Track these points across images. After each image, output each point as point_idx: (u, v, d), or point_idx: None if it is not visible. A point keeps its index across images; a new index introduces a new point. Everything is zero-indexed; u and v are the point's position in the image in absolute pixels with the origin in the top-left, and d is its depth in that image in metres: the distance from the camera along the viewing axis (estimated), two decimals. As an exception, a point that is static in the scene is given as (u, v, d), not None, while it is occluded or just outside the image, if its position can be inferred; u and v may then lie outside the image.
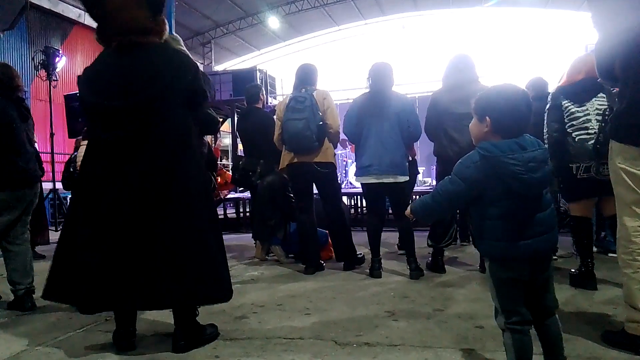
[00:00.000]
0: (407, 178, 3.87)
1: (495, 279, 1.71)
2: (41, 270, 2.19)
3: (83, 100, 2.28)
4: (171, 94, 2.19)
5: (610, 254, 4.16)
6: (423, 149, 8.39)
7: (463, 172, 1.68)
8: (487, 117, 1.68)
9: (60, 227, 7.22)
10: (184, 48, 2.51)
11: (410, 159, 3.96)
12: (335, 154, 4.26)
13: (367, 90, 3.95)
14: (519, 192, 1.61)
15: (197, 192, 2.26)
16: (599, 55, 2.25)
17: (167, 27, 2.40)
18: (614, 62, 2.17)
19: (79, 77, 2.33)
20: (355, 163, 8.73)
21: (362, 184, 4.00)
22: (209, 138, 5.66)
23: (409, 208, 1.90)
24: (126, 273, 2.10)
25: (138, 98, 2.14)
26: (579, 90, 3.10)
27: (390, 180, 3.75)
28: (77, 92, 2.51)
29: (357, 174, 4.00)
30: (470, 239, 4.26)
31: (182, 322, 2.29)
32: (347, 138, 4.24)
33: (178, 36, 2.65)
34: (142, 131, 2.15)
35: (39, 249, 5.67)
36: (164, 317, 2.63)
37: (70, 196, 6.29)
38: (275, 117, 4.41)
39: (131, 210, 2.12)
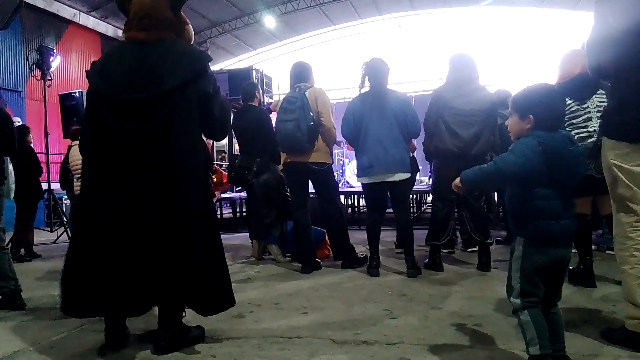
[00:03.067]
0: (409, 175, 3.85)
1: (526, 263, 1.77)
2: (39, 269, 2.14)
3: (95, 92, 2.20)
4: (187, 90, 2.15)
5: (608, 251, 4.16)
6: (420, 148, 8.35)
7: (525, 151, 1.73)
8: (530, 115, 1.78)
9: (60, 228, 7.21)
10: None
11: (411, 155, 3.94)
12: (332, 153, 4.24)
13: (362, 89, 3.94)
14: (563, 181, 1.75)
15: (202, 194, 2.23)
16: (590, 52, 2.23)
17: (191, 28, 2.42)
18: (604, 59, 2.16)
19: (87, 70, 2.26)
20: (351, 162, 8.72)
21: (363, 184, 3.99)
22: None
23: (457, 179, 1.93)
24: (135, 276, 2.07)
25: (156, 91, 2.10)
26: (580, 87, 3.07)
27: (392, 178, 3.75)
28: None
29: (359, 175, 3.99)
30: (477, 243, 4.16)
31: (166, 322, 2.26)
32: (346, 139, 4.21)
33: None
34: (158, 125, 2.11)
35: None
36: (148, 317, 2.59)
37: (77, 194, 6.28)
38: (273, 120, 4.40)
39: (142, 210, 2.09)
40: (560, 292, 1.85)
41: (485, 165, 1.87)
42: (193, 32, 2.47)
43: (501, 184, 1.83)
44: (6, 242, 3.35)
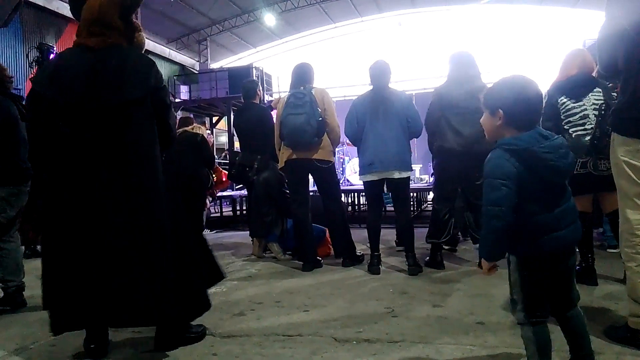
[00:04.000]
0: (410, 173, 3.88)
1: (526, 278, 1.65)
2: (39, 267, 2.12)
3: (44, 98, 2.13)
4: (142, 102, 2.13)
5: (609, 250, 4.15)
6: (420, 146, 8.36)
7: (501, 171, 1.56)
8: (499, 110, 1.63)
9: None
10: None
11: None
12: (334, 152, 4.26)
13: (366, 89, 3.97)
14: (552, 181, 1.59)
15: (161, 203, 2.15)
16: (601, 47, 2.23)
17: (143, 36, 2.39)
18: (617, 56, 2.15)
19: (34, 75, 2.21)
20: (351, 160, 8.71)
21: (364, 182, 3.99)
22: (206, 133, 5.62)
23: (483, 264, 1.69)
24: (101, 287, 2.03)
25: (115, 101, 2.07)
26: (575, 85, 3.08)
27: (393, 175, 3.77)
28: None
29: (361, 173, 3.99)
30: (470, 236, 4.21)
31: None
32: (349, 140, 4.21)
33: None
34: (113, 135, 2.07)
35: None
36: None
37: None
38: (274, 116, 4.39)
39: (98, 220, 2.05)
40: (574, 295, 1.71)
41: (483, 228, 1.64)
42: (144, 40, 2.45)
43: (511, 218, 1.60)
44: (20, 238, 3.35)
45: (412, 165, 4.21)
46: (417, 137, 4.06)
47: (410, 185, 4.17)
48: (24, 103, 3.21)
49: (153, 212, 2.11)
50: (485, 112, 1.72)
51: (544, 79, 4.64)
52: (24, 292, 3.17)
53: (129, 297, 2.04)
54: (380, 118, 3.80)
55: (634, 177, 2.10)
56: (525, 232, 1.60)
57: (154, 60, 2.30)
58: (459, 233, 4.76)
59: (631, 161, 2.10)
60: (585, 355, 1.69)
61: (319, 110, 3.94)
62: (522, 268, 1.66)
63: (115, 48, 2.15)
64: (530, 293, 1.65)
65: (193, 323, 2.39)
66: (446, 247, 4.69)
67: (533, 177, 1.56)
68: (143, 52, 2.40)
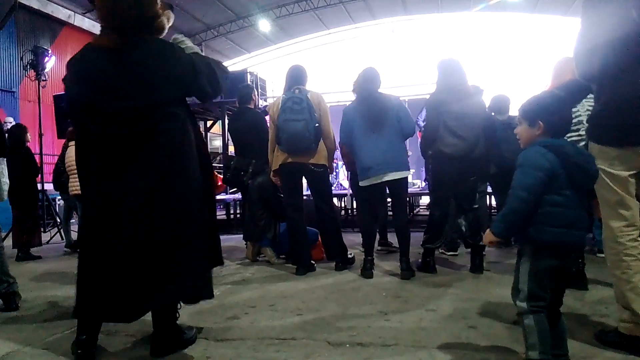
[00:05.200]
0: (408, 173, 3.92)
1: (536, 266, 1.77)
2: (33, 270, 2.13)
3: (77, 99, 2.17)
4: (174, 100, 2.16)
5: (599, 254, 4.20)
6: (413, 151, 8.39)
7: (537, 162, 1.74)
8: (540, 122, 1.82)
9: (53, 229, 7.17)
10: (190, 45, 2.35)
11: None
12: (332, 159, 4.29)
13: (355, 96, 4.01)
14: (580, 181, 1.76)
15: (195, 196, 2.21)
16: (578, 57, 2.25)
17: (162, 21, 2.26)
18: (593, 64, 2.18)
19: (66, 74, 2.19)
20: (344, 165, 8.75)
21: (361, 187, 4.00)
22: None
23: (487, 235, 1.85)
24: (133, 278, 2.06)
25: (143, 101, 2.08)
26: (570, 92, 3.11)
27: (391, 177, 3.79)
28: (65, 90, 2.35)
29: (359, 178, 3.96)
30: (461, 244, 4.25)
31: (162, 325, 2.26)
32: (346, 148, 4.23)
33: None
34: (145, 132, 2.09)
35: (34, 250, 5.64)
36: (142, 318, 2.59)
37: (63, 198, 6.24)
38: (268, 119, 4.41)
39: (133, 213, 2.07)
40: (562, 298, 1.88)
41: (506, 207, 1.80)
42: (165, 23, 2.28)
43: (534, 207, 1.77)
44: (3, 240, 3.32)
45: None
46: (410, 137, 4.09)
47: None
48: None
49: (186, 212, 2.15)
50: (523, 124, 1.90)
51: (536, 86, 4.72)
52: (16, 295, 3.15)
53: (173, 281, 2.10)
54: (372, 122, 3.82)
55: (612, 186, 2.13)
56: (548, 220, 1.74)
57: None
58: (459, 239, 4.79)
59: (608, 169, 2.13)
60: (560, 355, 1.82)
61: (316, 115, 3.97)
62: (535, 256, 1.78)
63: (142, 43, 2.11)
64: (536, 284, 1.76)
65: (185, 326, 2.40)
66: (448, 253, 4.73)
67: (564, 173, 1.74)
68: (164, 34, 2.31)
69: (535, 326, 1.72)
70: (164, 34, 2.31)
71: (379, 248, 4.97)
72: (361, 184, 3.95)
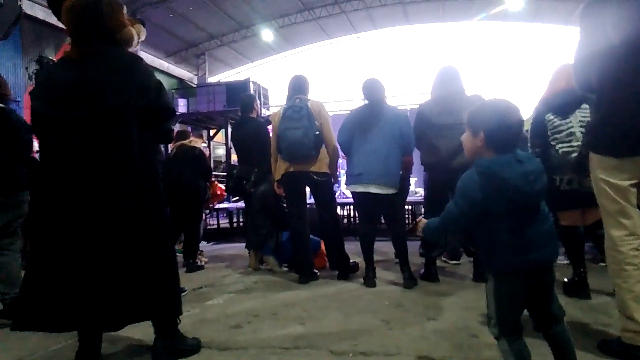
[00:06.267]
0: (396, 190, 3.79)
1: (499, 294, 1.70)
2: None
3: (36, 113, 2.16)
4: (129, 110, 2.13)
5: (601, 263, 4.18)
6: (416, 159, 8.39)
7: (465, 193, 1.68)
8: (481, 132, 1.70)
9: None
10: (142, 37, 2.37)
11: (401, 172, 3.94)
12: (336, 167, 4.31)
13: (364, 103, 4.01)
14: (521, 206, 1.63)
15: (136, 210, 2.14)
16: (577, 67, 2.27)
17: (128, 31, 2.26)
18: (591, 75, 2.20)
19: (32, 88, 2.25)
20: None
21: (352, 192, 4.02)
22: (202, 146, 5.66)
23: (420, 226, 1.90)
24: (83, 290, 2.03)
25: (96, 109, 2.07)
26: (562, 102, 3.10)
27: (378, 190, 3.72)
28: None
29: (347, 182, 3.99)
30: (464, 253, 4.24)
31: (163, 332, 2.27)
32: (341, 148, 4.25)
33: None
34: (95, 139, 2.08)
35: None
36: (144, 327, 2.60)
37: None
38: (270, 129, 4.43)
39: (79, 225, 2.06)
40: (557, 309, 1.74)
41: (436, 219, 1.80)
42: (131, 34, 2.28)
43: (467, 226, 1.75)
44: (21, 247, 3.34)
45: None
46: (409, 153, 4.00)
47: (407, 198, 4.20)
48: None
49: (132, 216, 2.10)
50: (467, 132, 1.79)
51: (536, 95, 4.73)
52: None
53: (122, 296, 2.04)
54: (373, 131, 3.81)
55: (613, 195, 2.14)
56: (497, 250, 1.67)
57: None
58: (461, 247, 4.78)
59: (608, 179, 2.14)
60: None
61: (316, 123, 3.98)
62: (496, 284, 1.71)
63: (94, 55, 2.13)
64: (502, 308, 1.69)
65: (188, 336, 2.41)
66: (451, 262, 4.73)
67: (501, 199, 1.62)
68: (134, 46, 2.32)
69: (510, 349, 1.66)
70: (134, 45, 2.33)
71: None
72: (348, 188, 3.97)
